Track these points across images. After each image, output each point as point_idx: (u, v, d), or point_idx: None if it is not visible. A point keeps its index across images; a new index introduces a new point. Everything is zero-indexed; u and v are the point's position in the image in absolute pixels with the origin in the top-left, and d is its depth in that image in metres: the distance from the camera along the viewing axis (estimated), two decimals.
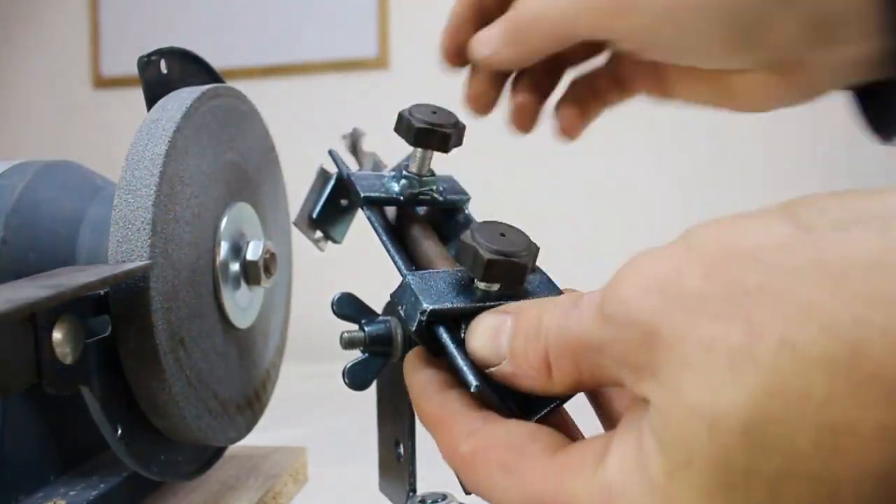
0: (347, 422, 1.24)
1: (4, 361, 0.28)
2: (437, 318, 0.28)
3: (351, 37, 2.05)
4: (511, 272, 0.28)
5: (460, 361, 0.28)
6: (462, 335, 0.28)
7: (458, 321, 0.29)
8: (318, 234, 0.43)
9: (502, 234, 0.28)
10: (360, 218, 0.41)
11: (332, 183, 0.42)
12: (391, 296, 0.30)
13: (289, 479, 0.51)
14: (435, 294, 0.29)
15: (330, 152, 0.43)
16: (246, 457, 0.52)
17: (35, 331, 0.29)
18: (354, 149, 0.45)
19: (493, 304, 0.29)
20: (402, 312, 0.30)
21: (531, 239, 0.29)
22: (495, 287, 0.29)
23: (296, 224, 0.42)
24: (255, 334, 0.48)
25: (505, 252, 0.27)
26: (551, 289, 0.31)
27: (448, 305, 0.29)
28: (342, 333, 0.36)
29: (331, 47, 2.05)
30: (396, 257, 0.34)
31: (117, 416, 0.36)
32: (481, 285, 0.29)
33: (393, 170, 0.43)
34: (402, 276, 0.32)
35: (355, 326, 0.37)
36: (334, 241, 0.44)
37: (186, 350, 0.38)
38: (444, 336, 0.28)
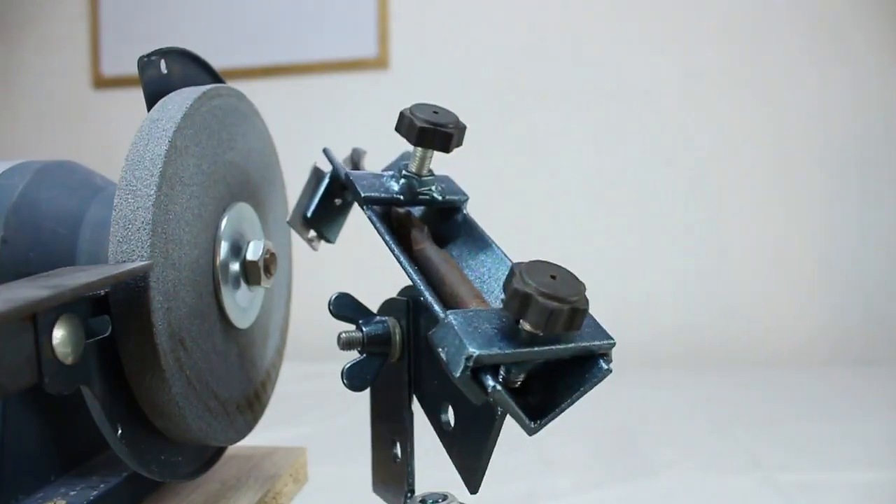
0: (347, 422, 1.24)
1: (5, 361, 0.27)
2: (483, 364, 0.27)
3: (351, 37, 2.05)
4: (564, 319, 0.26)
5: (513, 406, 0.27)
6: (501, 378, 0.27)
7: (498, 366, 0.27)
8: (312, 233, 0.43)
9: (553, 277, 0.26)
10: (360, 217, 0.41)
11: (325, 182, 0.42)
12: (430, 335, 0.29)
13: (289, 478, 0.51)
14: (481, 338, 0.27)
15: (325, 151, 0.42)
16: (246, 457, 0.52)
17: (35, 331, 0.29)
18: (356, 168, 0.45)
19: (540, 348, 0.27)
20: (443, 356, 0.28)
21: (579, 280, 0.27)
22: (540, 331, 0.27)
23: (290, 223, 0.42)
24: (255, 334, 0.48)
25: (559, 297, 0.26)
26: (599, 334, 0.29)
27: (496, 351, 0.27)
28: (340, 334, 0.36)
29: (330, 47, 2.05)
30: (410, 270, 0.34)
31: (118, 416, 0.36)
32: (527, 327, 0.27)
33: (389, 169, 0.43)
34: (436, 313, 0.30)
35: (352, 327, 0.37)
36: (328, 241, 0.43)
37: (186, 350, 0.38)
38: (490, 381, 0.27)
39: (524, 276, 0.26)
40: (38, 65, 2.18)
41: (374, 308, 0.38)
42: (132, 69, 0.44)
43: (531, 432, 0.28)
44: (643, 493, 0.98)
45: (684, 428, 1.26)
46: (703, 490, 0.99)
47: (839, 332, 1.83)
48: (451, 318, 0.28)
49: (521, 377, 0.28)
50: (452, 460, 0.34)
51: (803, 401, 1.41)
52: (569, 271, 0.27)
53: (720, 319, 1.87)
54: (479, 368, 0.27)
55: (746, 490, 0.98)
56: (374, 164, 0.46)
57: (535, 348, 0.27)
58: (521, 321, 0.27)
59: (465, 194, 0.41)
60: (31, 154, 0.47)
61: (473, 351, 0.27)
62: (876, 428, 1.22)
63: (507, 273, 0.35)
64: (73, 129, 2.13)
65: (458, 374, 0.27)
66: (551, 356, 0.28)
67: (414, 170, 0.39)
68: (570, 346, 0.28)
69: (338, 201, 0.43)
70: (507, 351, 0.27)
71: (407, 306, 0.36)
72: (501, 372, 0.27)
